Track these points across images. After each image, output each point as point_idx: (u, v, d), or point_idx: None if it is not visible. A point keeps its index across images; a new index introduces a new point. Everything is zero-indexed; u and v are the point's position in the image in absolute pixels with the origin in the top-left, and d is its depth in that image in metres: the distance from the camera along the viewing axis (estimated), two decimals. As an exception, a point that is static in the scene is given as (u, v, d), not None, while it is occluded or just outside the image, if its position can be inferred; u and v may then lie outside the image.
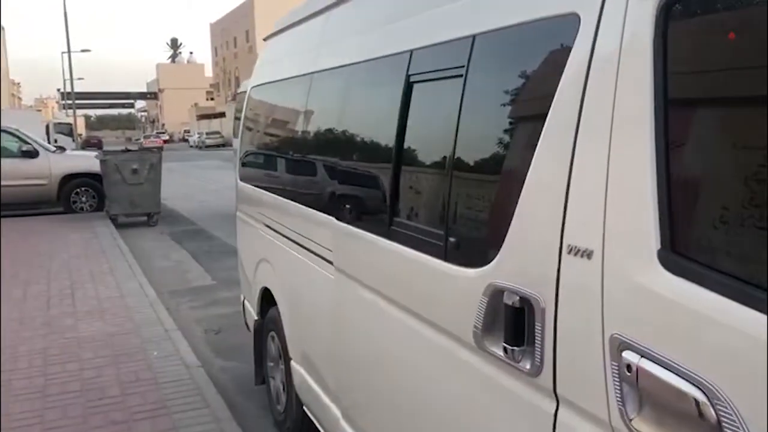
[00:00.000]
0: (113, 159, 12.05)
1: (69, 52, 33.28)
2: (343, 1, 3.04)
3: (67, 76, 36.16)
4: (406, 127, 2.21)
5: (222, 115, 64.04)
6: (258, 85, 4.38)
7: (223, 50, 78.02)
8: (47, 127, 30.34)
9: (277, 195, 3.65)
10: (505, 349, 1.58)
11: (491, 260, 1.66)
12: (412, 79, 2.19)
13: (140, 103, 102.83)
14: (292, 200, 3.37)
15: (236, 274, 7.93)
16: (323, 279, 2.90)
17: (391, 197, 2.26)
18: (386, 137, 2.31)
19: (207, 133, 58.42)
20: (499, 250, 1.63)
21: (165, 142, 60.91)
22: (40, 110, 45.87)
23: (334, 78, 2.92)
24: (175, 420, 3.88)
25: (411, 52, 2.20)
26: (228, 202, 15.47)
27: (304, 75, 3.33)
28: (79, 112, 40.33)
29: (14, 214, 12.80)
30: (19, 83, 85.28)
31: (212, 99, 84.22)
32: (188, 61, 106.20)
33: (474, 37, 1.84)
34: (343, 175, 2.74)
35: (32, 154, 13.10)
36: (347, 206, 2.67)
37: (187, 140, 67.19)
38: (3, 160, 12.55)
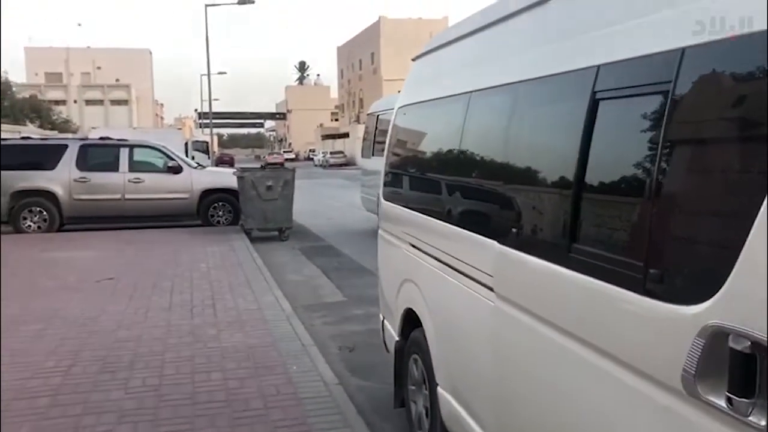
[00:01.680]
0: (250, 176, 12.62)
1: (209, 74, 35.51)
2: (505, 19, 2.94)
3: (205, 97, 38.59)
4: (590, 147, 2.06)
5: (345, 135, 65.86)
6: (406, 105, 4.36)
7: (349, 72, 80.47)
8: (186, 144, 32.40)
9: (429, 216, 3.58)
10: (729, 400, 1.39)
11: (709, 297, 1.48)
12: (598, 96, 2.05)
13: (269, 123, 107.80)
14: (446, 222, 3.29)
15: (366, 291, 8.03)
16: (481, 305, 2.77)
17: (571, 222, 2.12)
18: (566, 158, 2.17)
19: (331, 153, 60.36)
20: (720, 286, 1.45)
21: (287, 160, 63.48)
22: (180, 129, 49.28)
23: (498, 96, 2.82)
24: (317, 438, 3.89)
25: (598, 67, 2.06)
26: (354, 220, 15.78)
27: (461, 94, 3.25)
28: (213, 130, 43.01)
29: (160, 225, 13.78)
30: (162, 104, 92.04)
31: (336, 120, 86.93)
32: (315, 83, 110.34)
33: (683, 50, 1.68)
34: (509, 198, 2.62)
35: (177, 169, 14.00)
36: (514, 230, 2.54)
37: (311, 159, 69.68)
38: (151, 174, 13.70)
